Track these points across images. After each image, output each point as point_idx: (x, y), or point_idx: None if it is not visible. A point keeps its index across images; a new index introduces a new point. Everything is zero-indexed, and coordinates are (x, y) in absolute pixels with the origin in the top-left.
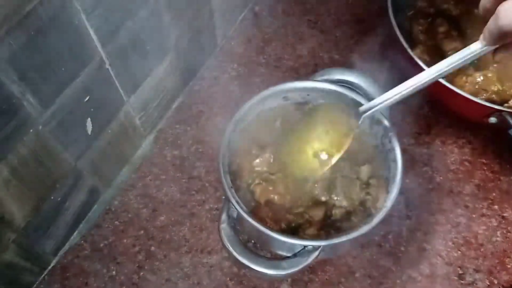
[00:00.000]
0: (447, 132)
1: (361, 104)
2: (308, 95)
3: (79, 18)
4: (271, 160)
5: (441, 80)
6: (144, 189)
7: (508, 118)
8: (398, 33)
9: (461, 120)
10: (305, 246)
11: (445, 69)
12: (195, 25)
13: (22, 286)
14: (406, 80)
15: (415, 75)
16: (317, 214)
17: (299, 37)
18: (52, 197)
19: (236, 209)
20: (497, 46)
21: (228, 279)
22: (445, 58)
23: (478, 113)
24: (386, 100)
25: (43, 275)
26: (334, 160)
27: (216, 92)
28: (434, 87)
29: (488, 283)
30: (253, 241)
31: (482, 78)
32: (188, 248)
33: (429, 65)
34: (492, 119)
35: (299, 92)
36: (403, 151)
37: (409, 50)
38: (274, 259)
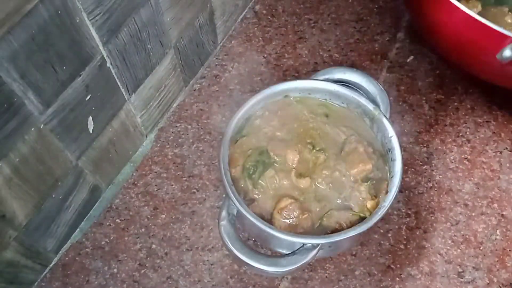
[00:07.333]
0: (446, 130)
1: (363, 104)
2: (309, 94)
3: (80, 17)
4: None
5: (458, 4)
6: (145, 187)
7: None
8: None
9: (460, 118)
10: (304, 244)
11: None
12: (196, 24)
13: (24, 284)
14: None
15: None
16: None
17: (299, 36)
18: (53, 195)
19: (236, 206)
20: None
21: (228, 276)
22: None
23: (492, 44)
24: None
25: (45, 273)
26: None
27: (217, 91)
28: (444, 13)
29: (488, 281)
30: (253, 239)
31: None
32: (189, 246)
33: None
34: (507, 53)
35: (300, 92)
36: (403, 150)
37: None
38: (273, 256)
